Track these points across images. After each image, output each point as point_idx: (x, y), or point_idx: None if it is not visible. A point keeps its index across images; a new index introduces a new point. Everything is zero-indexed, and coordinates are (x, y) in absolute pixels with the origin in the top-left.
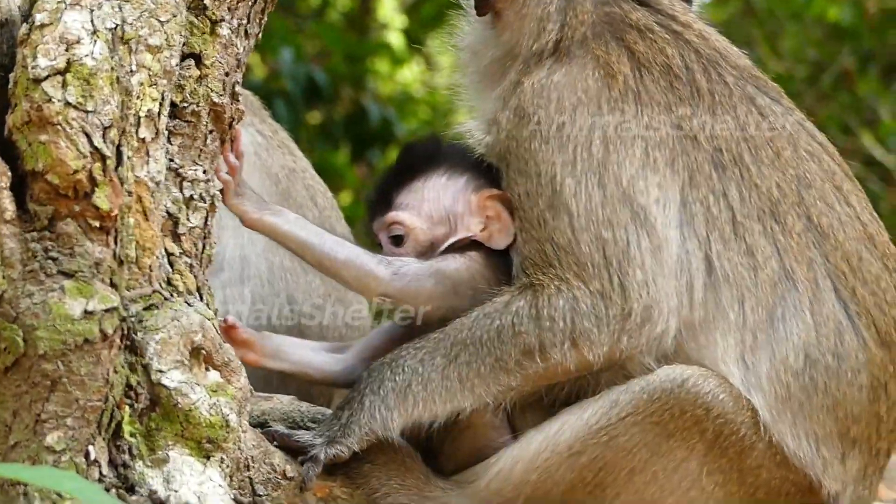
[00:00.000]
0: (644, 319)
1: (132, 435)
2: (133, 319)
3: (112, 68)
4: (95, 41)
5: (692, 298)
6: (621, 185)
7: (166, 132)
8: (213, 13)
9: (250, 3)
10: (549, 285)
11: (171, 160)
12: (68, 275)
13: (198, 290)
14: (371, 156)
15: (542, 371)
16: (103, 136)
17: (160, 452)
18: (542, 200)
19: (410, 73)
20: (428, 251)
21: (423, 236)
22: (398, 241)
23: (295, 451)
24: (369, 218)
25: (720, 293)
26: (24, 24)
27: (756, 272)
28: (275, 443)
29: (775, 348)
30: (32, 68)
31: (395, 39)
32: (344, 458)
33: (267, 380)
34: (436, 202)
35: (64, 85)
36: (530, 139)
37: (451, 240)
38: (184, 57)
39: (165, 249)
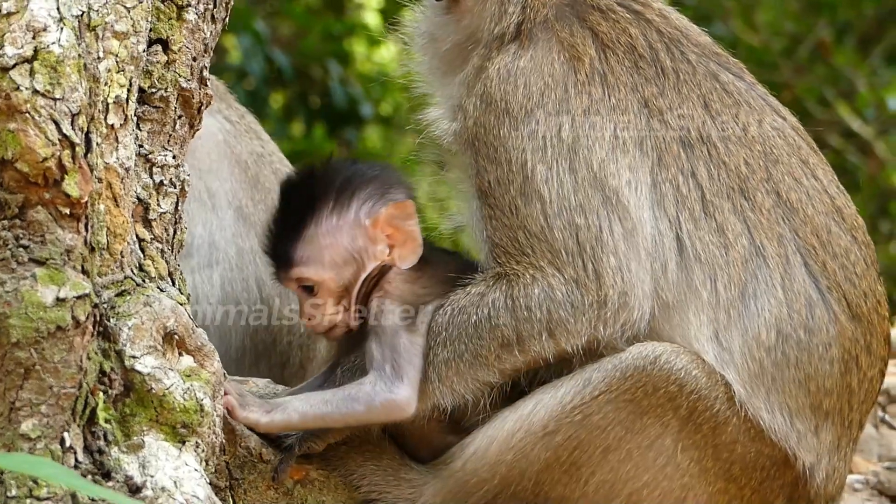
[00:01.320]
0: (620, 307)
1: (107, 421)
2: (105, 306)
3: (79, 55)
4: (62, 28)
5: (665, 280)
6: (592, 170)
7: (135, 118)
8: None
9: None
10: (524, 274)
11: (141, 146)
12: (40, 262)
13: (170, 275)
14: (347, 133)
15: (522, 363)
16: (72, 124)
17: (135, 438)
18: (514, 187)
19: (388, 53)
20: (344, 292)
21: (334, 284)
22: (311, 290)
23: (270, 439)
24: (273, 272)
25: (692, 273)
26: None
27: (727, 250)
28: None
29: (748, 325)
30: (0, 57)
31: (372, 20)
32: (318, 451)
33: (239, 363)
34: (334, 247)
35: (31, 73)
36: (498, 126)
37: (363, 275)
38: (151, 43)
39: (136, 235)
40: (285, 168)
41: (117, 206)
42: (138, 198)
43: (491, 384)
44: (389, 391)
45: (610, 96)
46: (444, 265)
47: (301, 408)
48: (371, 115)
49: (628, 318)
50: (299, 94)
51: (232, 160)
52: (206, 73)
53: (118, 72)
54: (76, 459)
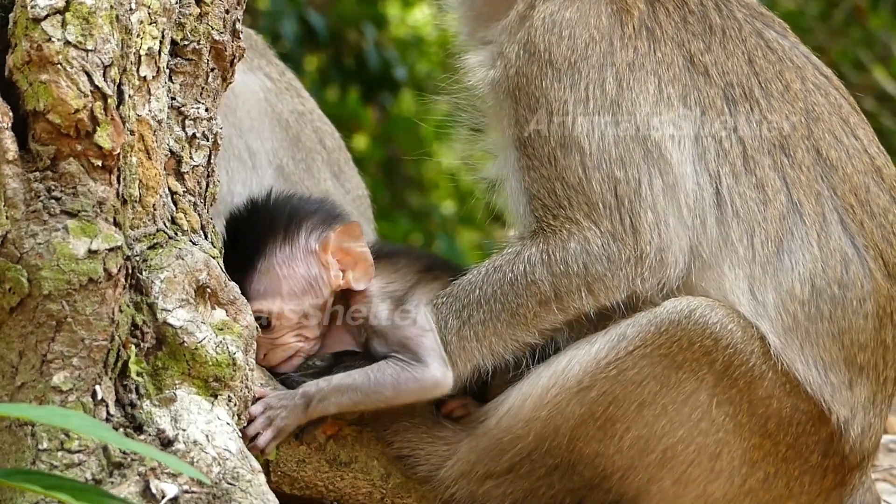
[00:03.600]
0: (657, 262)
1: (139, 374)
2: (137, 258)
3: (111, 6)
4: None
5: (704, 234)
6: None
7: (167, 71)
8: None
9: None
10: (560, 229)
11: (173, 99)
12: (72, 214)
13: (202, 228)
14: (382, 98)
15: (562, 321)
16: (104, 75)
17: (167, 392)
18: (554, 139)
19: (422, 15)
20: (302, 321)
21: (294, 315)
22: (266, 325)
23: None
24: None
25: (730, 228)
26: None
27: (766, 206)
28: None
29: (782, 279)
30: (32, 8)
31: None
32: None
33: None
34: (291, 277)
35: (63, 24)
36: (541, 76)
37: (321, 301)
38: None
39: (169, 188)
40: (326, 126)
41: (149, 158)
42: (171, 150)
43: (530, 344)
44: (422, 369)
45: (656, 50)
46: (407, 257)
47: (332, 392)
48: (405, 79)
49: (665, 273)
50: (334, 57)
51: (273, 119)
52: (238, 25)
53: (150, 24)
54: (108, 412)
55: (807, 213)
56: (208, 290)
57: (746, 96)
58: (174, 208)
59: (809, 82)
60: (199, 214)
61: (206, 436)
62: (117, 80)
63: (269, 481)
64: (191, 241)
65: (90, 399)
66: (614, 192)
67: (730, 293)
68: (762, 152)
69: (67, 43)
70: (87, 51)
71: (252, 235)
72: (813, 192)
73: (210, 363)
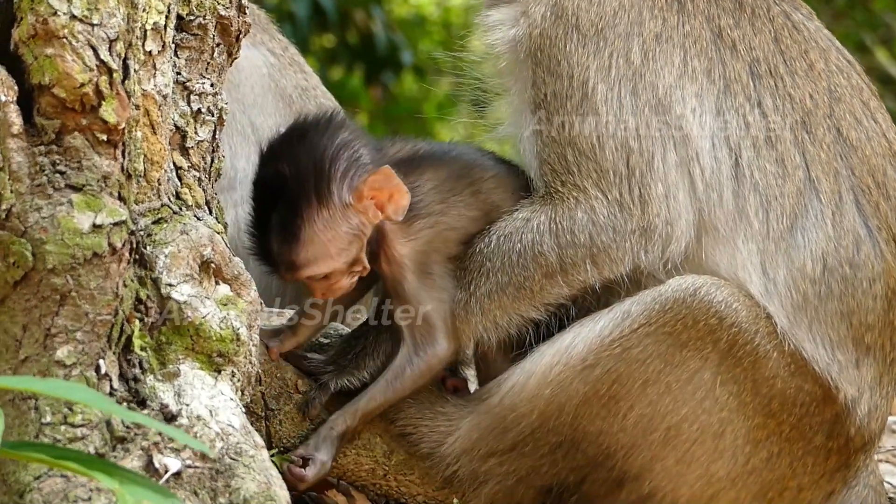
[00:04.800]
0: (663, 235)
1: (142, 349)
2: (142, 233)
3: None
4: None
5: (720, 208)
6: (657, 95)
7: (173, 45)
8: None
9: None
10: (568, 196)
11: (179, 73)
12: (76, 188)
13: (207, 203)
14: (385, 78)
15: (567, 294)
16: (109, 50)
17: (171, 366)
18: (571, 103)
19: None
20: (354, 263)
21: (346, 264)
22: (326, 277)
23: (305, 372)
24: (273, 273)
25: (747, 202)
26: None
27: (784, 181)
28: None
29: (794, 256)
30: None
31: None
32: (352, 389)
33: (281, 296)
34: (336, 236)
35: None
36: (566, 40)
37: (365, 240)
38: None
39: (174, 163)
40: (329, 102)
41: (154, 133)
42: (175, 125)
43: (534, 319)
44: (430, 348)
45: (684, 23)
46: (433, 170)
47: (362, 404)
48: (411, 62)
49: (669, 247)
50: (340, 37)
51: (276, 94)
52: (244, 0)
53: None
54: (111, 387)
55: (823, 191)
56: (212, 265)
57: (771, 72)
58: (179, 183)
59: (833, 64)
60: (203, 190)
61: (210, 411)
62: (123, 55)
63: (271, 457)
64: (195, 216)
65: (94, 373)
66: (626, 161)
67: (741, 269)
68: (784, 127)
69: (73, 17)
70: (92, 25)
71: (286, 207)
72: (832, 171)
73: (214, 338)
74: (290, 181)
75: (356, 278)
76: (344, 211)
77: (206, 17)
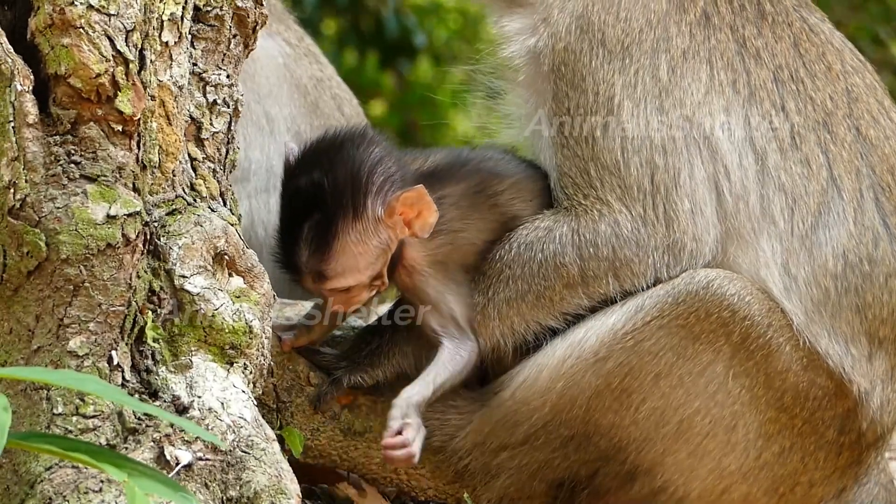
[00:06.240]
0: (689, 252)
1: (155, 340)
2: (156, 224)
3: None
4: None
5: (747, 214)
6: (684, 112)
7: (189, 36)
8: None
9: None
10: (591, 209)
11: (195, 65)
12: (91, 179)
13: (221, 195)
14: (399, 64)
15: (586, 305)
16: (126, 40)
17: (183, 358)
18: (595, 118)
19: None
20: (375, 279)
21: (368, 280)
22: (347, 290)
23: (318, 366)
24: (300, 282)
25: (772, 203)
26: None
27: (809, 181)
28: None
29: (816, 253)
30: None
31: None
32: (365, 387)
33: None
34: (366, 251)
35: None
36: (591, 55)
37: (390, 255)
38: None
39: (188, 154)
40: (344, 94)
41: (170, 124)
42: (191, 117)
43: (551, 327)
44: (464, 350)
45: (710, 38)
46: (453, 184)
47: (424, 392)
48: (424, 45)
49: (693, 263)
50: (352, 22)
51: (291, 84)
52: None
53: None
54: (123, 378)
55: (846, 189)
56: (226, 257)
57: (793, 77)
58: (193, 174)
59: (848, 65)
60: (218, 181)
61: (222, 403)
62: (139, 45)
63: (282, 450)
64: (209, 207)
65: (106, 364)
66: (651, 178)
67: (763, 267)
68: (808, 128)
69: (90, 7)
70: (109, 15)
71: (321, 217)
72: (853, 169)
73: (226, 330)
74: (327, 192)
75: (375, 292)
76: (376, 225)
77: (223, 9)
